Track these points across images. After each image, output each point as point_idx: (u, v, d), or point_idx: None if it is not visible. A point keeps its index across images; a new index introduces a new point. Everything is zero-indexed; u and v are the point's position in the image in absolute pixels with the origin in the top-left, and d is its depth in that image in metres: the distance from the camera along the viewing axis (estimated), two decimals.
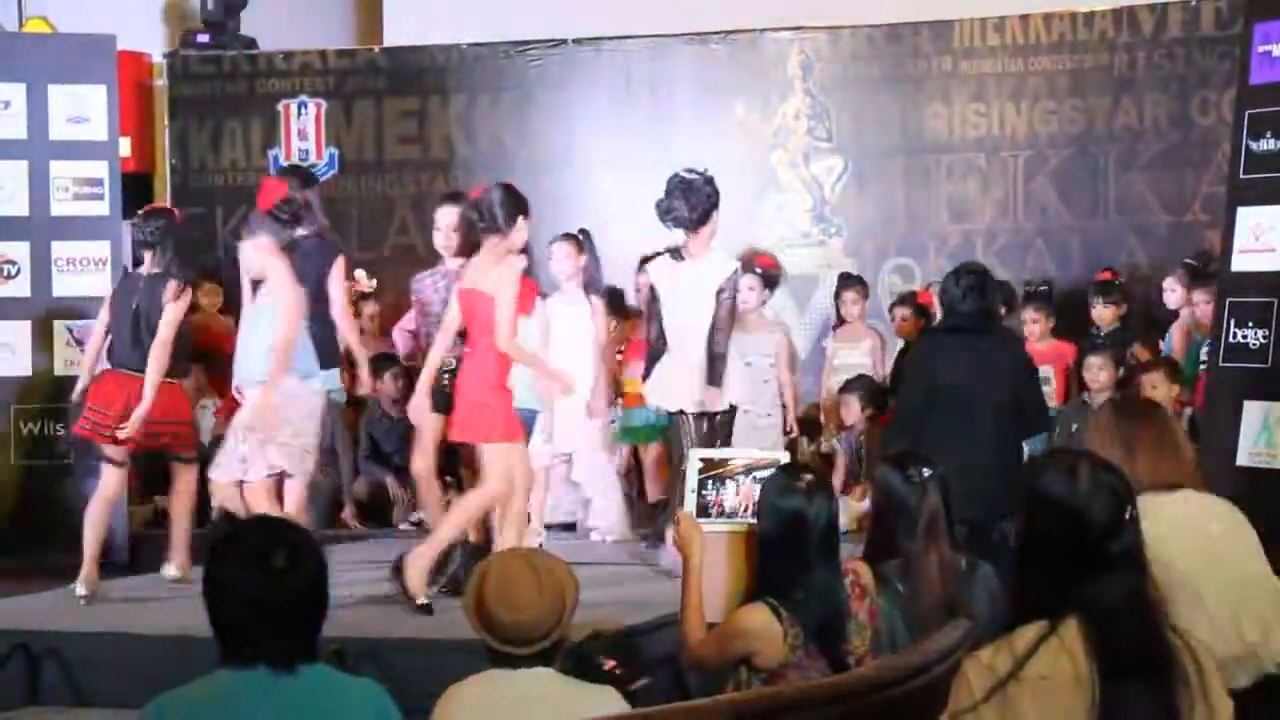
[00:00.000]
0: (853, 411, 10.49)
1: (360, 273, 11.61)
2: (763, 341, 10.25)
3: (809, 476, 5.26)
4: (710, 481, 5.84)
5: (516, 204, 7.89)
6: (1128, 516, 3.41)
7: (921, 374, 7.93)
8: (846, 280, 11.31)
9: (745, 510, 5.77)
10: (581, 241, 10.04)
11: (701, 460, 5.95)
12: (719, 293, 8.56)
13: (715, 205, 8.68)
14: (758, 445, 8.22)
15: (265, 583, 3.63)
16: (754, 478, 5.79)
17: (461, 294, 7.90)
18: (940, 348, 7.97)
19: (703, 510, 5.83)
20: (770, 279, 10.70)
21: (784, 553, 5.13)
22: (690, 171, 8.74)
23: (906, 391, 7.99)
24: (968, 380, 7.82)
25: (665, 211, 8.69)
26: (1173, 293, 10.61)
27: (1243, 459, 8.90)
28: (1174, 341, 10.42)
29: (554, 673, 4.28)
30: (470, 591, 4.34)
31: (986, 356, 7.97)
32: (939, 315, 9.86)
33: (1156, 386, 9.82)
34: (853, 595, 5.19)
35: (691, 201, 8.63)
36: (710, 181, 8.69)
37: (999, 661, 3.31)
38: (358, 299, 11.26)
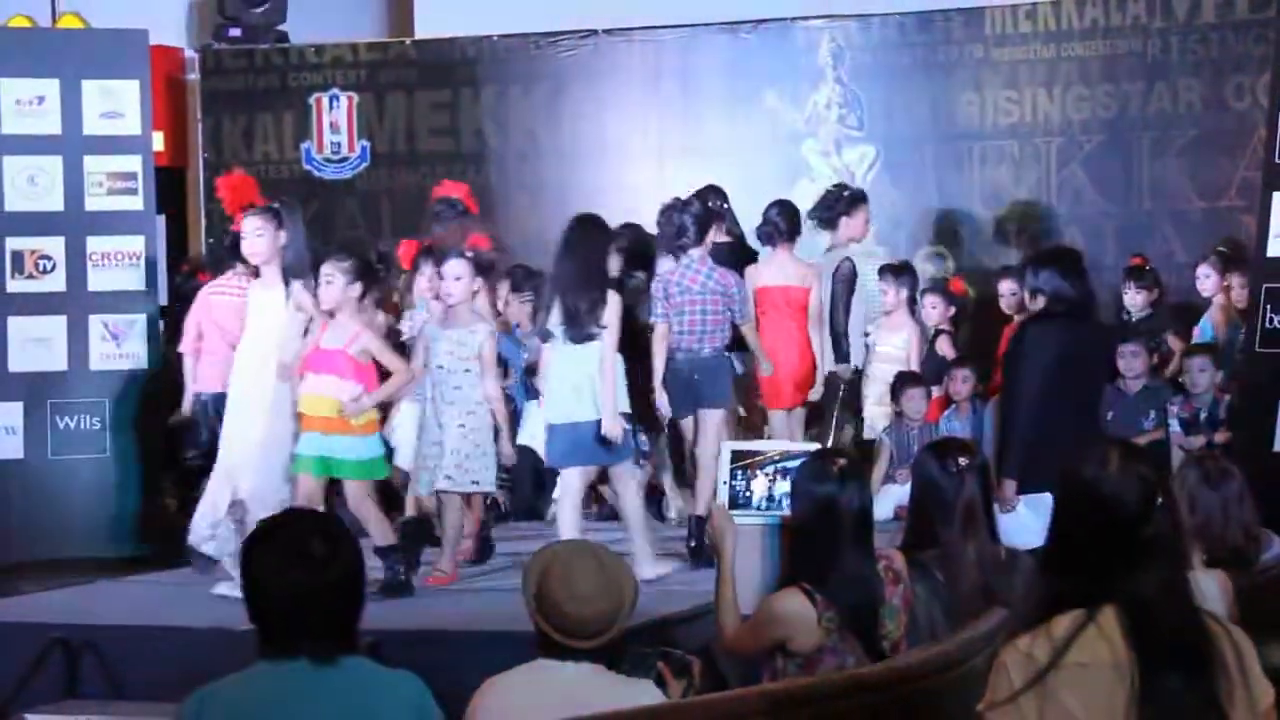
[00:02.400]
0: (917, 405, 10.47)
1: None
2: (464, 336, 8.30)
3: (842, 462, 5.27)
4: (740, 473, 5.83)
5: (796, 217, 9.98)
6: (1158, 504, 3.39)
7: (1039, 361, 7.73)
8: (882, 272, 11.26)
9: (776, 501, 5.78)
10: (282, 216, 8.44)
11: (732, 452, 5.95)
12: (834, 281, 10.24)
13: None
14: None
15: (305, 573, 3.61)
16: (784, 469, 5.79)
17: (765, 290, 9.75)
18: (1053, 333, 7.76)
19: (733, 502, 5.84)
20: (483, 262, 8.67)
21: (817, 538, 5.14)
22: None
23: (1024, 379, 7.83)
24: (1083, 364, 7.80)
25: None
26: (1207, 279, 10.56)
27: None
28: (1218, 327, 10.35)
29: (599, 667, 4.27)
30: (533, 579, 4.31)
31: (1095, 340, 8.04)
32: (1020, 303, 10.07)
33: (1204, 370, 9.79)
34: (886, 580, 5.20)
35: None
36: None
37: (1038, 650, 3.30)
38: None
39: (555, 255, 8.47)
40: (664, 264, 9.15)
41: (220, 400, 8.70)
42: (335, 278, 8.04)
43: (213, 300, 9.15)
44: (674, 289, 8.84)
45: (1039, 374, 7.64)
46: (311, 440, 8.03)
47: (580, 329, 8.14)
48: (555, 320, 8.23)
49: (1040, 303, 7.73)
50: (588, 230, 8.42)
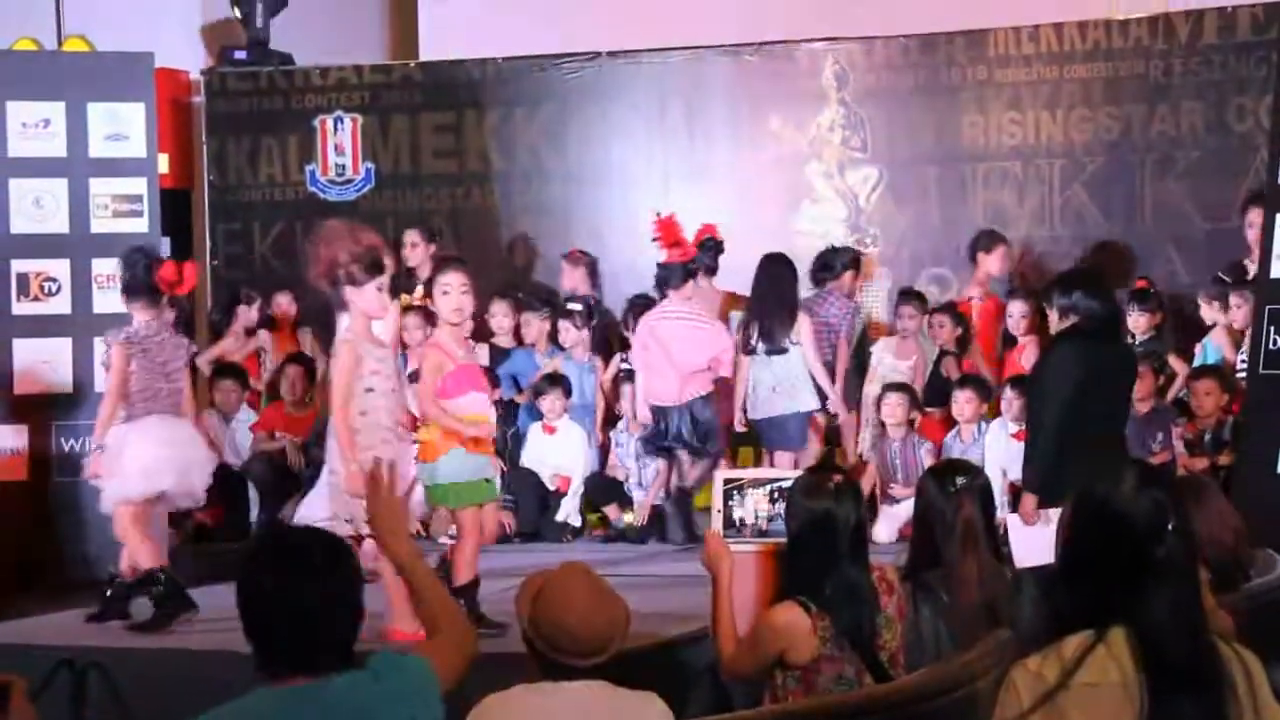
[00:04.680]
0: (893, 410, 10.50)
1: (419, 289, 11.69)
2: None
3: (838, 477, 5.31)
4: (736, 495, 5.84)
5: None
6: (1171, 527, 3.40)
7: (1069, 377, 7.68)
8: (906, 295, 11.30)
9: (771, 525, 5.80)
10: None
11: (726, 480, 5.97)
12: None
13: None
14: None
15: (302, 587, 3.59)
16: (775, 490, 5.80)
17: None
18: (1084, 350, 7.74)
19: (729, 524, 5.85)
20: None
21: (813, 552, 5.19)
22: None
23: (1054, 395, 7.81)
24: (1111, 382, 7.81)
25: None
26: (1209, 307, 10.56)
27: None
28: (1224, 350, 10.35)
29: (604, 683, 4.29)
30: (526, 602, 4.33)
31: (1122, 359, 8.04)
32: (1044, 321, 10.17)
33: (1210, 393, 9.79)
34: (880, 590, 5.22)
35: None
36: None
37: (1048, 670, 3.31)
38: (404, 310, 11.32)
39: (753, 287, 10.46)
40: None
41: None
42: (468, 289, 7.71)
43: (663, 324, 10.38)
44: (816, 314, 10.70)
45: (1070, 391, 7.62)
46: (489, 465, 7.74)
47: (776, 344, 10.14)
48: (754, 337, 10.20)
49: (1070, 321, 7.73)
50: (779, 267, 10.38)
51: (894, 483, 10.38)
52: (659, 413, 10.44)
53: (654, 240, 10.55)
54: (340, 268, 7.34)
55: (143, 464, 8.22)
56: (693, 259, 10.47)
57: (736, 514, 5.81)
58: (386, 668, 3.73)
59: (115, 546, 8.78)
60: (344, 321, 7.48)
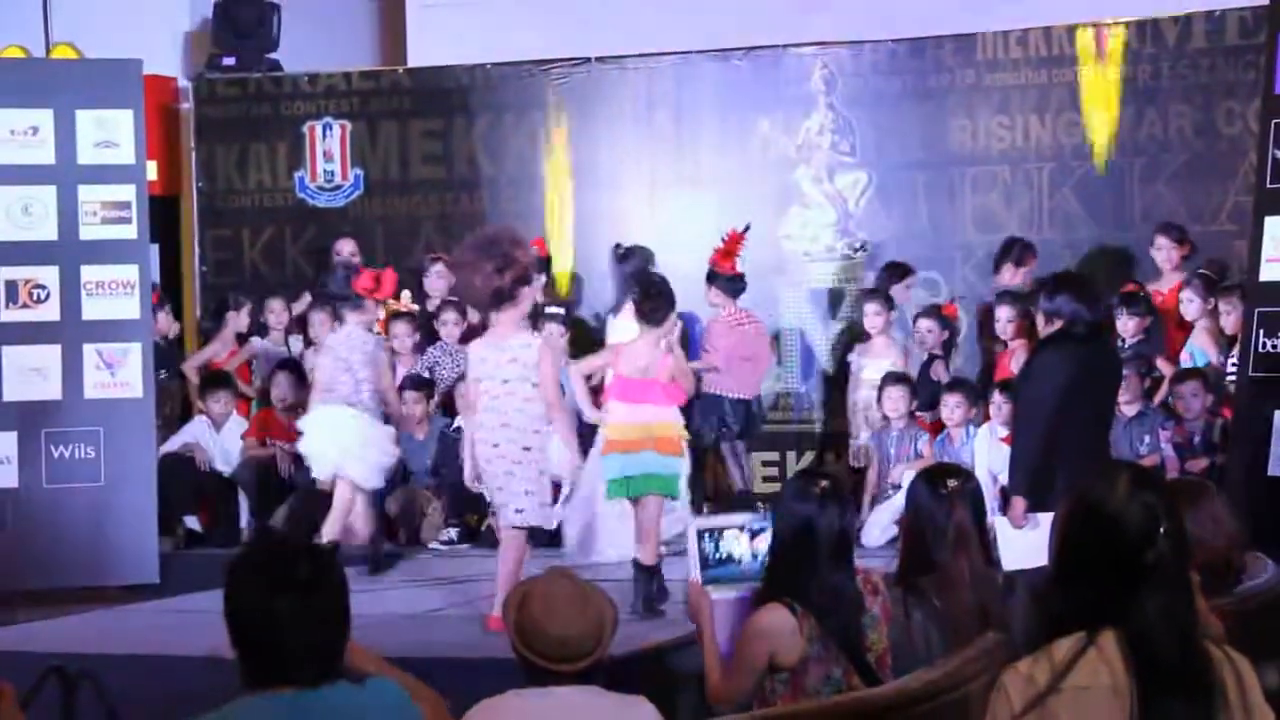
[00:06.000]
0: (895, 404, 10.55)
1: (405, 294, 11.70)
2: None
3: (824, 483, 5.30)
4: (707, 535, 5.77)
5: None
6: (1163, 531, 3.39)
7: (1055, 381, 7.68)
8: (870, 295, 11.31)
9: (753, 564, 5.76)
10: None
11: (700, 528, 5.93)
12: None
13: None
14: None
15: (289, 597, 3.56)
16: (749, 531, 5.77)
17: None
18: (1070, 355, 7.73)
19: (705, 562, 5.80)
20: None
21: (796, 553, 5.19)
22: None
23: (1040, 400, 7.78)
24: (1097, 385, 7.79)
25: None
26: (1190, 304, 10.55)
27: (1275, 469, 8.89)
28: (1208, 352, 10.36)
29: (594, 688, 4.31)
30: (513, 608, 4.35)
31: (1109, 362, 8.03)
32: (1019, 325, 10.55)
33: (1196, 395, 9.81)
34: (865, 591, 5.22)
35: None
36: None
37: (1038, 673, 3.30)
38: (390, 318, 11.32)
39: None
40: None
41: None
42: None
43: (742, 330, 11.12)
44: None
45: (1056, 394, 7.60)
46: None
47: None
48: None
49: (1055, 326, 7.72)
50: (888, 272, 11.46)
51: (890, 473, 10.46)
52: (727, 404, 11.07)
53: (727, 251, 11.15)
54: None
55: (307, 449, 9.69)
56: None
57: (715, 558, 5.75)
58: (377, 685, 3.73)
59: (102, 553, 8.82)
60: (511, 315, 8.07)
